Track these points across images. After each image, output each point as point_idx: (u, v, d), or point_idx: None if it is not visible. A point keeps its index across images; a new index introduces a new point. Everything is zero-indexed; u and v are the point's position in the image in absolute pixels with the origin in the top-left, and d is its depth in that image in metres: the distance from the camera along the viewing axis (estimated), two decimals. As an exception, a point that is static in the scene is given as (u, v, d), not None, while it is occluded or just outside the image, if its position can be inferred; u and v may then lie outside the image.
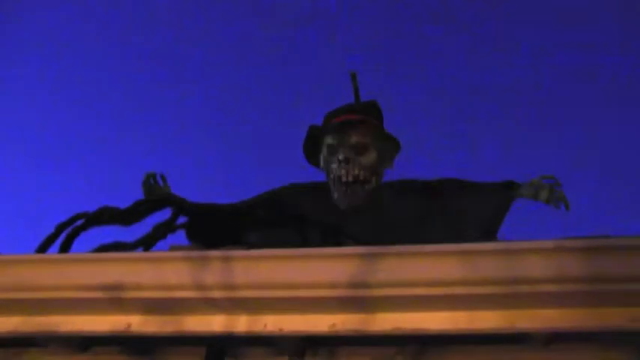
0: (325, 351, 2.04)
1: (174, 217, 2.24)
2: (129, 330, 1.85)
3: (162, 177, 2.42)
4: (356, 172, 2.49)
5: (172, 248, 2.10)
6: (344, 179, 2.48)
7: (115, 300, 1.82)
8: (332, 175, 2.54)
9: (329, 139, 2.58)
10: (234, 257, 1.77)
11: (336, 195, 2.50)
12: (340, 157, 2.51)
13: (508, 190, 2.38)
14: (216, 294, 1.76)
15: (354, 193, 2.48)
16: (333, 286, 1.73)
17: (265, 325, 1.79)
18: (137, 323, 1.85)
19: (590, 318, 1.72)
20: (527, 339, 1.92)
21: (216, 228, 2.27)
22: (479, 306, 1.75)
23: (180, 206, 2.26)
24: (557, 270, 1.69)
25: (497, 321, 1.74)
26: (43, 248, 2.15)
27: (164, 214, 2.28)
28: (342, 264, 1.73)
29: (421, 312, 1.76)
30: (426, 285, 1.71)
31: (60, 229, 2.15)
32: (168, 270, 1.80)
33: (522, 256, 1.71)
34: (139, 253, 1.89)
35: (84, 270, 1.85)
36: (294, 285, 1.74)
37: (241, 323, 1.80)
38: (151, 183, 2.39)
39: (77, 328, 1.88)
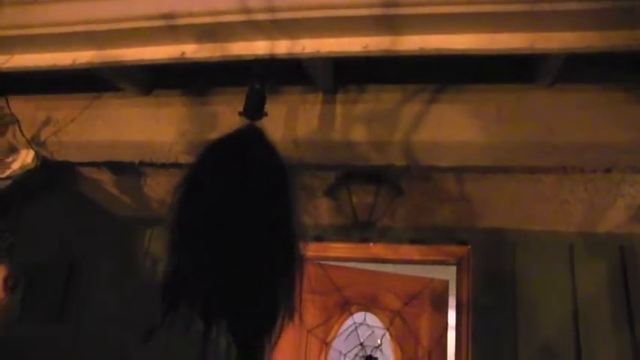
0: (355, 88, 2.02)
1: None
2: (183, 57, 1.83)
3: None
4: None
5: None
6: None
7: (170, 28, 1.78)
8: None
9: None
10: None
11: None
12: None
13: None
14: (260, 17, 1.70)
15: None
16: (365, 4, 1.64)
17: (303, 48, 1.74)
18: (190, 51, 1.83)
19: (601, 39, 1.64)
20: (536, 76, 1.88)
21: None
22: (501, 28, 1.67)
23: None
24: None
25: (518, 42, 1.66)
26: None
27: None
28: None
29: (446, 33, 1.69)
30: (453, 3, 1.62)
31: None
32: (215, -4, 1.73)
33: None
34: (188, -17, 1.81)
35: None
36: (331, 4, 1.66)
37: (282, 46, 1.76)
38: None
39: (139, 56, 1.86)
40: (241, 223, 1.34)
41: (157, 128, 2.17)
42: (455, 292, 2.95)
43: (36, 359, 2.86)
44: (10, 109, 2.16)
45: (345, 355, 3.26)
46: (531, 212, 2.71)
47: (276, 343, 1.37)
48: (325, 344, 3.15)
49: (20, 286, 2.12)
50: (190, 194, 1.38)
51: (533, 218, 2.76)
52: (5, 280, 2.06)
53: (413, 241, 2.95)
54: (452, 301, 3.12)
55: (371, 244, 2.94)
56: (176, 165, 2.23)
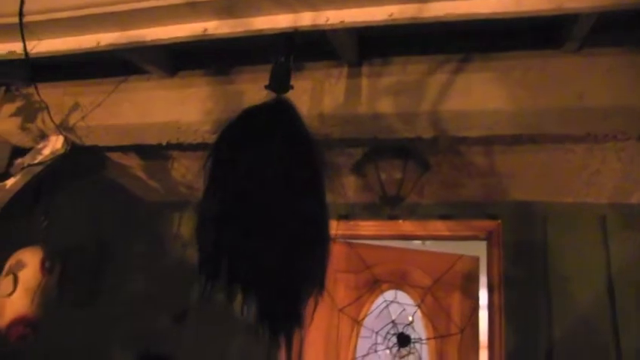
0: (380, 60, 2.01)
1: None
2: (205, 34, 1.83)
3: None
4: None
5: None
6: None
7: (191, 5, 1.78)
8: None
9: None
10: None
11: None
12: None
13: None
14: (282, -12, 1.69)
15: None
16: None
17: (327, 19, 1.73)
18: (212, 27, 1.83)
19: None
20: (563, 41, 1.85)
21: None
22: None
23: None
24: None
25: (545, 3, 1.62)
26: None
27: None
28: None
29: (472, -1, 1.65)
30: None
31: None
32: (238, -31, 1.73)
33: None
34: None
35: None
36: None
37: (305, 18, 1.74)
38: None
39: (161, 35, 1.87)
40: (271, 197, 1.34)
41: (183, 109, 2.19)
42: (485, 269, 2.93)
43: (70, 341, 2.93)
44: (39, 96, 2.20)
45: (377, 333, 3.26)
46: (562, 184, 2.67)
47: (309, 322, 1.37)
48: (357, 323, 3.16)
49: (57, 269, 2.17)
50: (219, 167, 1.38)
51: (564, 190, 2.72)
52: (42, 262, 2.10)
53: (442, 217, 2.93)
54: (482, 279, 3.10)
55: (400, 221, 2.94)
56: (203, 146, 2.25)
